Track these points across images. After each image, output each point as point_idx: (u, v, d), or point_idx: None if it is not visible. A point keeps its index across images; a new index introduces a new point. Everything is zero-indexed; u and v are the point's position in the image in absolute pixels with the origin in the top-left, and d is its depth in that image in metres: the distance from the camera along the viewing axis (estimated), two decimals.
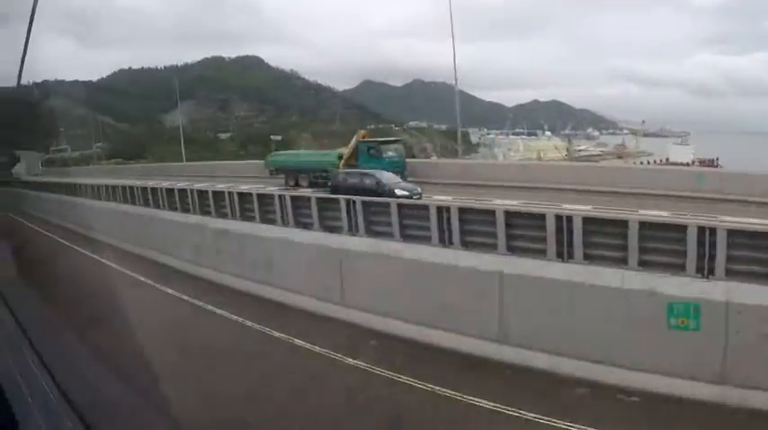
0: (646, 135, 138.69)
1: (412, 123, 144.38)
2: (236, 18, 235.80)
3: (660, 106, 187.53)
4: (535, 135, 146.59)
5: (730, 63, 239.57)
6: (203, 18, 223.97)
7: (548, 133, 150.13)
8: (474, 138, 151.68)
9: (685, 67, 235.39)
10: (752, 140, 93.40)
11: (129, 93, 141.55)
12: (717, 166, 64.79)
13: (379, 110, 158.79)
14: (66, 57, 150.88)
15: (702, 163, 72.95)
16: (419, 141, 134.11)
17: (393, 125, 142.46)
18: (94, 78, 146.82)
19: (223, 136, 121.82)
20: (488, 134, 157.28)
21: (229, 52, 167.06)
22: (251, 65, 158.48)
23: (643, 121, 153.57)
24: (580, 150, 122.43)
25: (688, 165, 66.46)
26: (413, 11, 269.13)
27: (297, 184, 31.98)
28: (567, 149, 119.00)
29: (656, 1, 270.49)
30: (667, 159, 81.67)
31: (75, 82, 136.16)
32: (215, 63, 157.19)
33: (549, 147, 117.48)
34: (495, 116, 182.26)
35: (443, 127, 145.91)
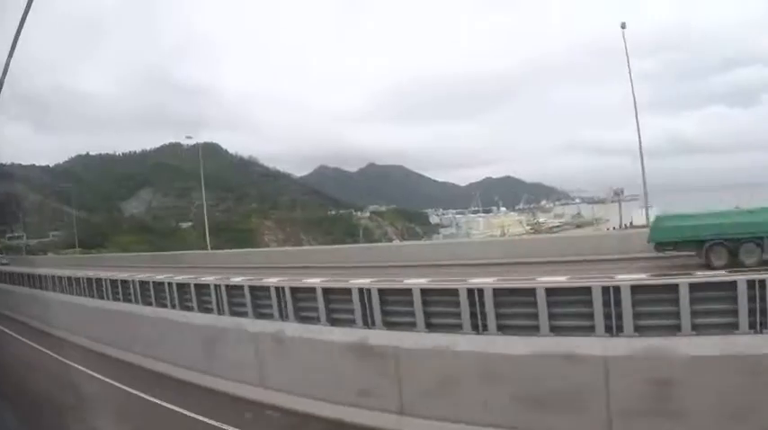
0: (597, 202, 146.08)
1: (371, 207, 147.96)
2: (192, 104, 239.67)
3: (606, 173, 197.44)
4: (491, 211, 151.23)
5: (667, 124, 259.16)
6: (160, 103, 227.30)
7: (503, 209, 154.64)
8: (433, 219, 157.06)
9: (626, 132, 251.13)
10: (696, 196, 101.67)
11: (86, 179, 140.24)
12: None
13: (336, 195, 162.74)
14: (22, 141, 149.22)
15: None
16: (379, 225, 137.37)
17: (352, 210, 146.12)
18: (51, 164, 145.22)
19: (184, 225, 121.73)
20: (444, 214, 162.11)
21: (187, 139, 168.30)
22: (209, 152, 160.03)
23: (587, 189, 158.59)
24: (540, 223, 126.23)
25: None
26: (363, 97, 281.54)
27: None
28: (533, 223, 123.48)
29: (594, 73, 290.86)
30: (631, 223, 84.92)
31: (32, 166, 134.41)
32: (173, 150, 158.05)
33: (511, 222, 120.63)
34: (448, 196, 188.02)
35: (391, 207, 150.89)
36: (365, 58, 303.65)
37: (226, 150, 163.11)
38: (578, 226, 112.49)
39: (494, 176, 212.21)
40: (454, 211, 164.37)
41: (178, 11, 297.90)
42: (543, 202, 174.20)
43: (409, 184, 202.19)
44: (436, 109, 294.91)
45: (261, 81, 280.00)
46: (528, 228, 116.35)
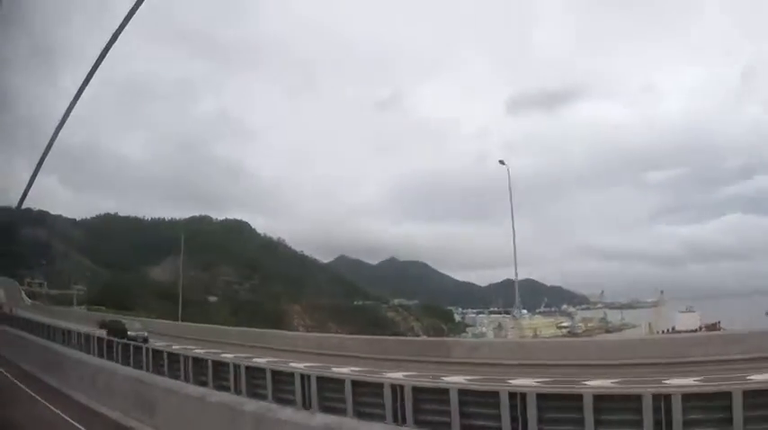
0: (621, 307, 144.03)
1: (397, 301, 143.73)
2: (221, 182, 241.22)
3: (624, 278, 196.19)
4: (510, 313, 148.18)
5: (686, 232, 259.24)
6: (190, 176, 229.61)
7: (524, 311, 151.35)
8: (456, 317, 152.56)
9: (644, 239, 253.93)
10: (716, 303, 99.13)
11: (112, 239, 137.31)
12: (719, 329, 65.60)
13: (357, 285, 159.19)
14: (49, 192, 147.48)
15: (708, 328, 73.76)
16: (405, 319, 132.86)
17: (379, 302, 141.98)
18: (78, 218, 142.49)
19: (211, 298, 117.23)
20: (465, 313, 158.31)
21: (216, 214, 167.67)
22: (238, 228, 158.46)
23: (602, 292, 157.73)
24: (566, 326, 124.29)
25: (696, 331, 66.34)
26: (383, 191, 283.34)
27: None
28: (564, 325, 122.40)
29: (613, 180, 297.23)
30: (673, 328, 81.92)
31: (59, 217, 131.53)
32: (202, 222, 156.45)
33: (543, 324, 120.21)
34: (467, 295, 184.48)
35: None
36: (387, 152, 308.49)
37: (254, 229, 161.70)
38: (607, 331, 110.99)
39: (513, 279, 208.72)
40: (474, 311, 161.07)
41: (216, 90, 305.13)
42: (564, 306, 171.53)
43: (429, 281, 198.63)
44: (455, 208, 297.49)
45: (287, 166, 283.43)
46: (564, 331, 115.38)
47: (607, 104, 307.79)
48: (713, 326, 76.51)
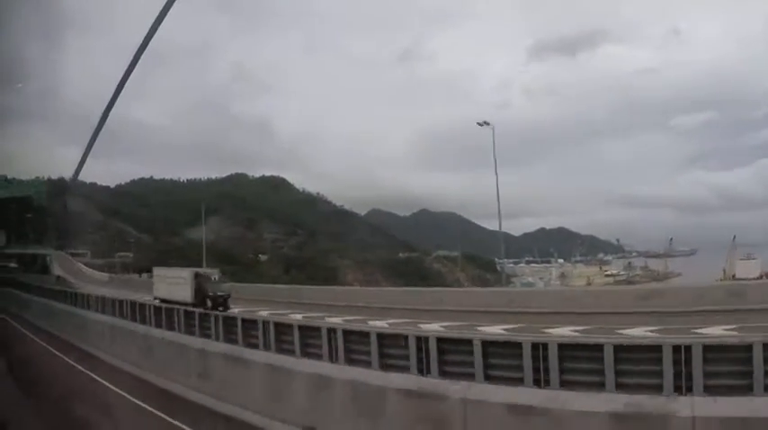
0: (657, 256, 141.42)
1: (440, 252, 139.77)
2: (252, 141, 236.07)
3: (656, 227, 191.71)
4: (548, 262, 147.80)
5: (715, 179, 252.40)
6: (219, 137, 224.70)
7: (560, 260, 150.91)
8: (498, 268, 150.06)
9: (675, 187, 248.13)
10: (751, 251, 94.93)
11: (149, 202, 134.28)
12: None
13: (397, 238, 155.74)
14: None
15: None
16: (451, 270, 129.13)
17: (423, 254, 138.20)
18: (112, 184, 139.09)
19: (262, 257, 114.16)
20: (500, 263, 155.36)
21: (252, 172, 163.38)
22: (276, 186, 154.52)
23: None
24: (616, 274, 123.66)
25: (759, 278, 65.17)
26: (411, 144, 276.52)
27: None
28: (614, 274, 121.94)
29: (640, 126, 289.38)
30: (734, 276, 78.61)
31: (94, 185, 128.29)
32: (239, 180, 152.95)
33: (595, 272, 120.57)
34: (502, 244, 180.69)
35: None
36: (410, 104, 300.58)
37: (292, 185, 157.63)
38: (654, 279, 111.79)
39: (547, 227, 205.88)
40: (511, 261, 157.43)
41: (234, 48, 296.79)
42: (600, 255, 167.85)
43: (462, 232, 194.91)
44: (481, 158, 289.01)
45: (312, 122, 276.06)
46: (612, 279, 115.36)
47: (631, 49, 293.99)
48: None
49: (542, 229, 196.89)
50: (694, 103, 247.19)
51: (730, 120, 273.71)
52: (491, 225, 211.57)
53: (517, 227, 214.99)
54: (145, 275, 77.73)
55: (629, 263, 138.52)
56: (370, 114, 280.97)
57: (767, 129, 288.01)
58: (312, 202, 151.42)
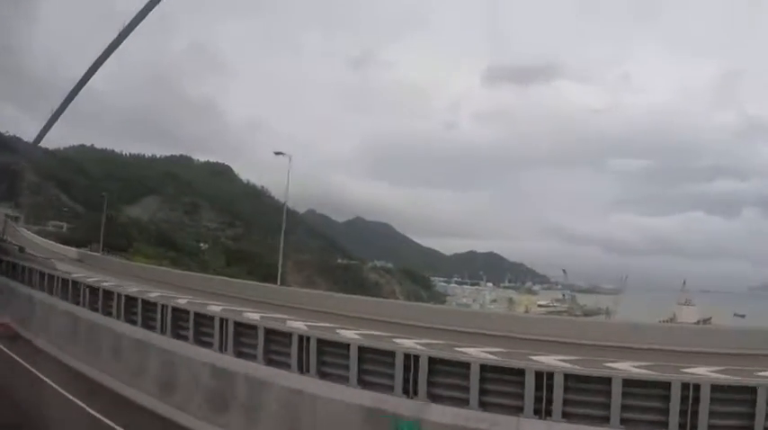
0: (581, 291, 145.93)
1: (378, 262, 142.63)
2: (200, 124, 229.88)
3: (583, 262, 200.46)
4: (477, 285, 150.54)
5: (647, 223, 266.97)
6: (167, 115, 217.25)
7: (489, 284, 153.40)
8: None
9: (605, 226, 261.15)
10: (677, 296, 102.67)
11: (88, 171, 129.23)
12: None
13: (335, 242, 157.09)
14: (13, 119, 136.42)
15: (704, 322, 75.26)
16: (388, 282, 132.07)
17: (361, 261, 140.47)
18: (51, 147, 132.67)
19: (203, 245, 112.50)
20: (435, 281, 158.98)
21: (198, 155, 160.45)
22: (220, 172, 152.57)
23: (565, 273, 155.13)
24: (543, 305, 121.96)
25: (697, 323, 65.52)
26: (354, 150, 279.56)
27: None
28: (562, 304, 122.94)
29: (580, 163, 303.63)
30: (670, 319, 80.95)
31: (31, 144, 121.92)
32: (183, 162, 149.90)
33: (531, 300, 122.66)
34: (433, 262, 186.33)
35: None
36: (358, 110, 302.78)
37: (237, 175, 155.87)
38: (585, 314, 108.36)
39: (478, 250, 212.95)
40: (441, 279, 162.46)
41: (188, 28, 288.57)
42: (528, 284, 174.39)
43: (394, 244, 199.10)
44: (421, 174, 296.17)
45: (260, 114, 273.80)
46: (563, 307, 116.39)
47: (581, 87, 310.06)
48: (707, 321, 78.81)
49: (473, 252, 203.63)
50: (634, 148, 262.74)
51: (666, 168, 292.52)
52: (422, 241, 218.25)
53: (448, 246, 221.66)
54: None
55: (564, 295, 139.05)
56: (319, 114, 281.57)
57: (703, 183, 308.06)
58: (255, 195, 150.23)
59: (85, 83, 69.21)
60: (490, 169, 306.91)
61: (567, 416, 11.30)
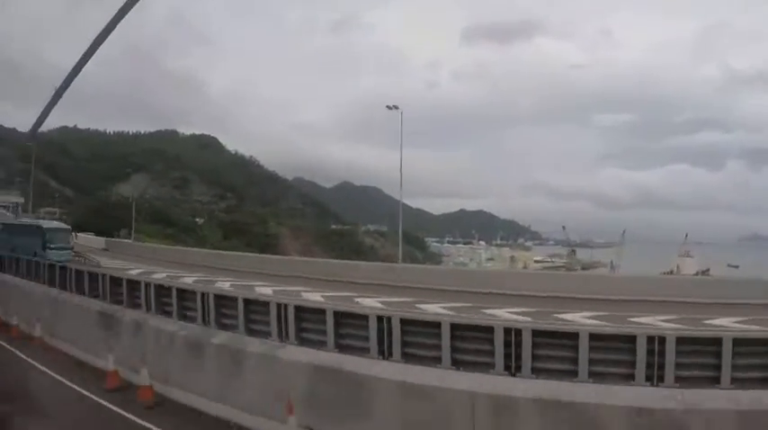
0: (575, 245, 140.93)
1: (372, 227, 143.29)
2: (181, 97, 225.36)
3: (572, 218, 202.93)
4: (470, 244, 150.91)
5: (630, 177, 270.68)
6: (148, 90, 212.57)
7: (481, 242, 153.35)
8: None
9: (592, 180, 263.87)
10: (668, 248, 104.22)
11: (74, 154, 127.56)
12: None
13: (327, 208, 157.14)
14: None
15: (703, 273, 78.34)
16: (383, 245, 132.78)
17: (354, 226, 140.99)
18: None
19: (198, 220, 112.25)
20: (433, 242, 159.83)
21: (183, 129, 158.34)
22: (207, 144, 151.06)
23: (564, 228, 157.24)
24: (539, 261, 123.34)
25: (696, 274, 69.33)
26: (338, 115, 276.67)
27: None
28: (565, 259, 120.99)
29: (564, 119, 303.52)
30: (672, 271, 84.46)
31: (14, 130, 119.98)
32: (169, 136, 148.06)
33: (528, 256, 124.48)
34: (423, 222, 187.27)
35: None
36: (340, 75, 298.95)
37: (224, 146, 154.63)
38: (584, 268, 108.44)
39: (468, 209, 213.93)
40: (433, 240, 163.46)
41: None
42: (520, 240, 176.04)
43: (384, 207, 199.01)
44: (406, 135, 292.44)
45: (243, 84, 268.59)
46: (561, 263, 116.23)
47: (563, 44, 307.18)
48: (706, 272, 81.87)
49: (463, 210, 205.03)
50: (617, 103, 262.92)
51: (650, 122, 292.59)
52: (411, 202, 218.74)
53: (437, 206, 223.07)
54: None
55: (571, 250, 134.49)
56: (300, 80, 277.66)
57: (687, 136, 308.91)
58: (244, 165, 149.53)
59: (80, 70, 67.57)
60: (474, 128, 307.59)
61: (536, 371, 11.34)
